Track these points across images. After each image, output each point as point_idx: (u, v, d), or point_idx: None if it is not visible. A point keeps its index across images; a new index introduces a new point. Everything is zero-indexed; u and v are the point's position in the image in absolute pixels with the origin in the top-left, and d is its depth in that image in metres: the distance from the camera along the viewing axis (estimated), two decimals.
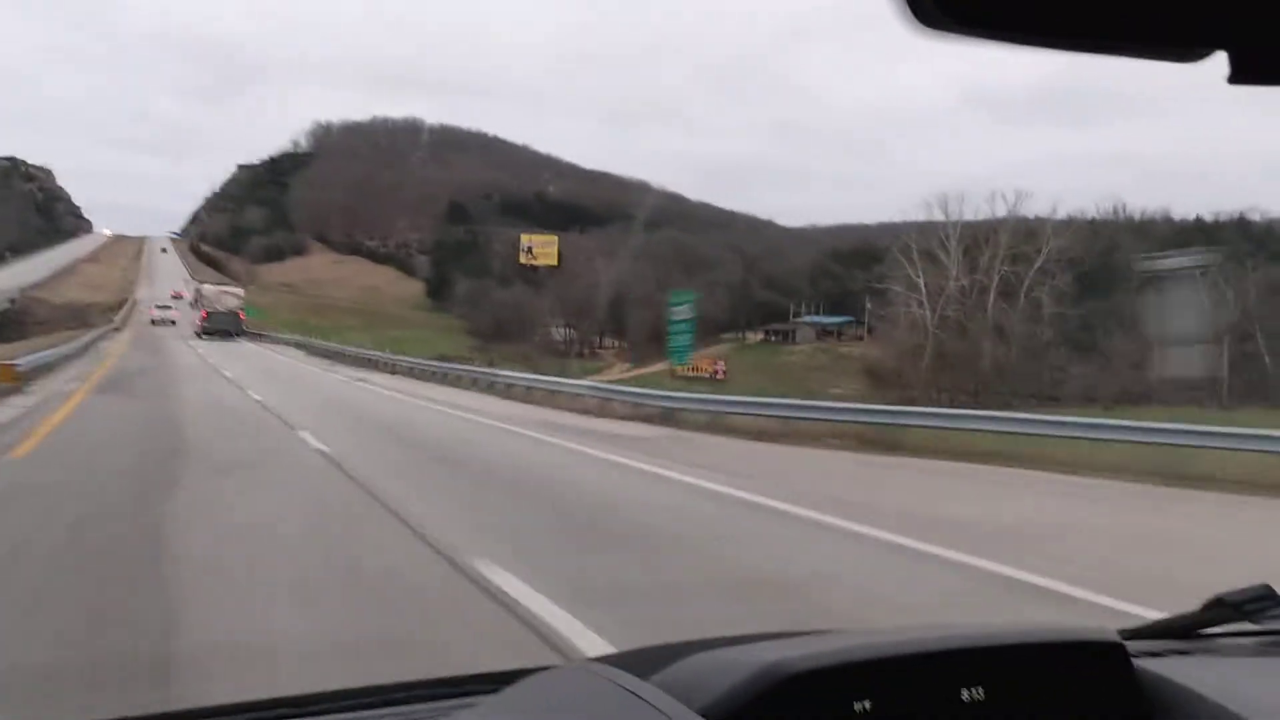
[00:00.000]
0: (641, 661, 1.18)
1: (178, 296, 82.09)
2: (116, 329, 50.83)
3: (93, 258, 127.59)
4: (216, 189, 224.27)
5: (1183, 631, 1.50)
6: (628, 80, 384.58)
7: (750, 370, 71.68)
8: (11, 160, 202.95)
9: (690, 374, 73.80)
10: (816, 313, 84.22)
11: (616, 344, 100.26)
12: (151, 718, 1.32)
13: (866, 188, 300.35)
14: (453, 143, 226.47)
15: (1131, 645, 1.28)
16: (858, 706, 1.10)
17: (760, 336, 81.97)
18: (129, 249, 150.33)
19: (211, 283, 74.68)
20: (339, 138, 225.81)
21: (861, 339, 78.72)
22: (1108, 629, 1.29)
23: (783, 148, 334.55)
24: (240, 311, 59.55)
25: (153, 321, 64.00)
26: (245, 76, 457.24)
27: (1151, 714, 1.19)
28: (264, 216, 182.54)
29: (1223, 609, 1.43)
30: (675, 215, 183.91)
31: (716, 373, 71.77)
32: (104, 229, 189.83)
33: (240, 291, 65.73)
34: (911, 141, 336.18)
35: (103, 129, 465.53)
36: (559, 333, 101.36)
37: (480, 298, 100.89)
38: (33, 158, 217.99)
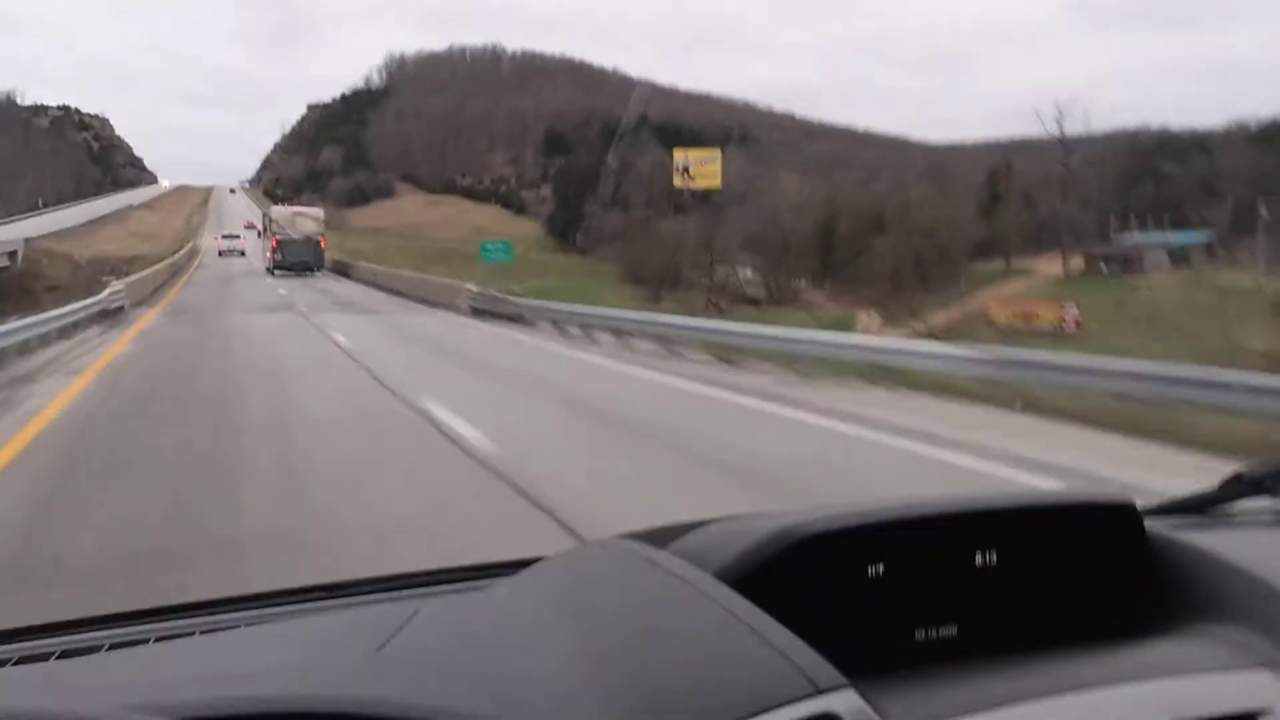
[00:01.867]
0: (663, 535, 1.19)
1: (249, 226, 72.49)
2: (117, 308, 21.74)
3: (150, 205, 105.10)
4: (286, 131, 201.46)
5: (1200, 507, 1.44)
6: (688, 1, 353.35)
7: (1111, 316, 46.05)
8: (65, 109, 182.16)
9: (1021, 325, 49.18)
10: (1148, 228, 57.95)
11: (806, 285, 75.08)
12: (184, 606, 1.36)
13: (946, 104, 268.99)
14: (538, 70, 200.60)
15: (1148, 520, 1.26)
16: (871, 570, 1.09)
17: (1081, 266, 55.96)
18: (194, 197, 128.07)
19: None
20: (415, 70, 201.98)
21: (1235, 261, 52.65)
22: (1122, 493, 1.25)
23: (849, 66, 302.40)
24: (321, 238, 44.51)
25: (220, 253, 56.86)
26: (305, 22, 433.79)
27: (1165, 578, 1.17)
28: (341, 157, 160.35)
29: (1241, 484, 1.39)
30: (799, 134, 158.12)
31: (1065, 323, 46.32)
32: (166, 181, 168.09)
33: (319, 213, 47.99)
34: (996, 55, 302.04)
35: (164, 82, 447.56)
36: (743, 274, 76.72)
37: (635, 234, 76.05)
38: (90, 108, 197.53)
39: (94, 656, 1.17)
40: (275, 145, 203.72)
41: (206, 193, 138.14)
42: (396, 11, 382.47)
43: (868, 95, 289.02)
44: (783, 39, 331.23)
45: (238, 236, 62.60)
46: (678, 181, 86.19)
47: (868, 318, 59.67)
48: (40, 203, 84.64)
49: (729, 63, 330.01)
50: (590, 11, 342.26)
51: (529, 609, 1.05)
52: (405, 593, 1.37)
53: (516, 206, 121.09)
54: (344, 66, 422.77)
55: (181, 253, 46.09)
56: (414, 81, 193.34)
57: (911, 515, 1.14)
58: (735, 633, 0.88)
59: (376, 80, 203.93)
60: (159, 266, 32.86)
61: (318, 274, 41.50)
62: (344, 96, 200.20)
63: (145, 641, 1.20)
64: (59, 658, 1.17)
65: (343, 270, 43.49)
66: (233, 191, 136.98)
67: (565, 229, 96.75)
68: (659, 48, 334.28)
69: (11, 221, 62.77)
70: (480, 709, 0.84)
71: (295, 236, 42.69)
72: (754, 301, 68.83)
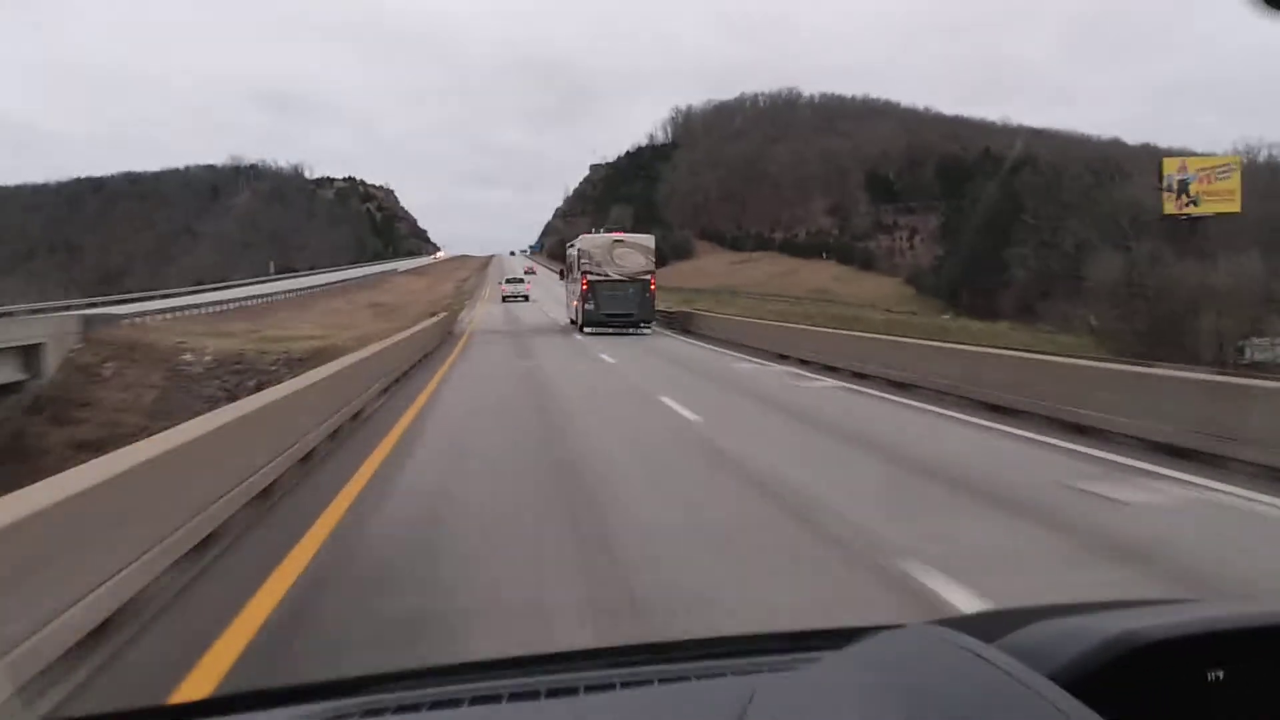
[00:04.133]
0: (984, 625, 1.14)
1: (530, 271, 68.40)
2: None
3: (419, 271, 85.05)
4: (569, 194, 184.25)
5: None
6: (983, 43, 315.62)
7: None
8: (350, 180, 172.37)
9: None
10: None
11: None
12: (496, 663, 1.40)
13: None
14: (840, 112, 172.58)
15: None
16: (1210, 676, 1.03)
17: None
18: (472, 263, 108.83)
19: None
20: (705, 120, 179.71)
21: None
22: None
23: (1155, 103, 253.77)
24: (651, 278, 30.18)
25: (503, 298, 51.98)
26: (585, 95, 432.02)
27: None
28: (630, 216, 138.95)
29: None
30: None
31: None
32: (442, 250, 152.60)
33: (649, 242, 31.55)
34: None
35: (452, 163, 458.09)
36: None
37: (1129, 290, 46.08)
38: (374, 179, 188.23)
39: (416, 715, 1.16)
40: (557, 210, 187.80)
41: (486, 259, 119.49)
42: (676, 73, 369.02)
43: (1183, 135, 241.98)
44: (1084, 82, 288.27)
45: (522, 280, 56.34)
46: (1169, 207, 55.22)
47: None
48: (271, 268, 65.25)
49: (1024, 105, 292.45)
50: (876, 57, 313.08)
51: (862, 702, 0.99)
52: (731, 662, 1.34)
53: (860, 261, 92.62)
54: (626, 131, 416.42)
55: (416, 333, 19.11)
56: (704, 132, 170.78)
57: (1256, 623, 1.07)
58: None
59: (662, 136, 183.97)
60: (313, 379, 7.75)
61: (645, 330, 30.21)
62: (629, 154, 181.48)
63: (459, 703, 1.19)
64: (395, 712, 1.18)
65: (678, 323, 32.15)
66: (513, 254, 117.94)
67: (956, 286, 67.56)
68: (953, 93, 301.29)
69: (176, 295, 40.55)
70: None
71: (615, 276, 30.05)
72: None
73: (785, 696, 1.06)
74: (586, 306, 29.63)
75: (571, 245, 35.54)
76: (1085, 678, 0.96)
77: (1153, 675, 1.00)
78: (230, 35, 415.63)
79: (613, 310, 29.55)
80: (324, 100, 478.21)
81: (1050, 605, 1.17)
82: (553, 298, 49.20)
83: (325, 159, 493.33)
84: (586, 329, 29.27)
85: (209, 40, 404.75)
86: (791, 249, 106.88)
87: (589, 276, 29.78)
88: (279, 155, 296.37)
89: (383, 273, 74.13)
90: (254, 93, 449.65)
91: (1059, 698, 0.88)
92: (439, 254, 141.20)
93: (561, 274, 40.64)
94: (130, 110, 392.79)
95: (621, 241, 31.18)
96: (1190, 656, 1.02)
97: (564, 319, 35.76)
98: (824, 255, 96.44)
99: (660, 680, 1.25)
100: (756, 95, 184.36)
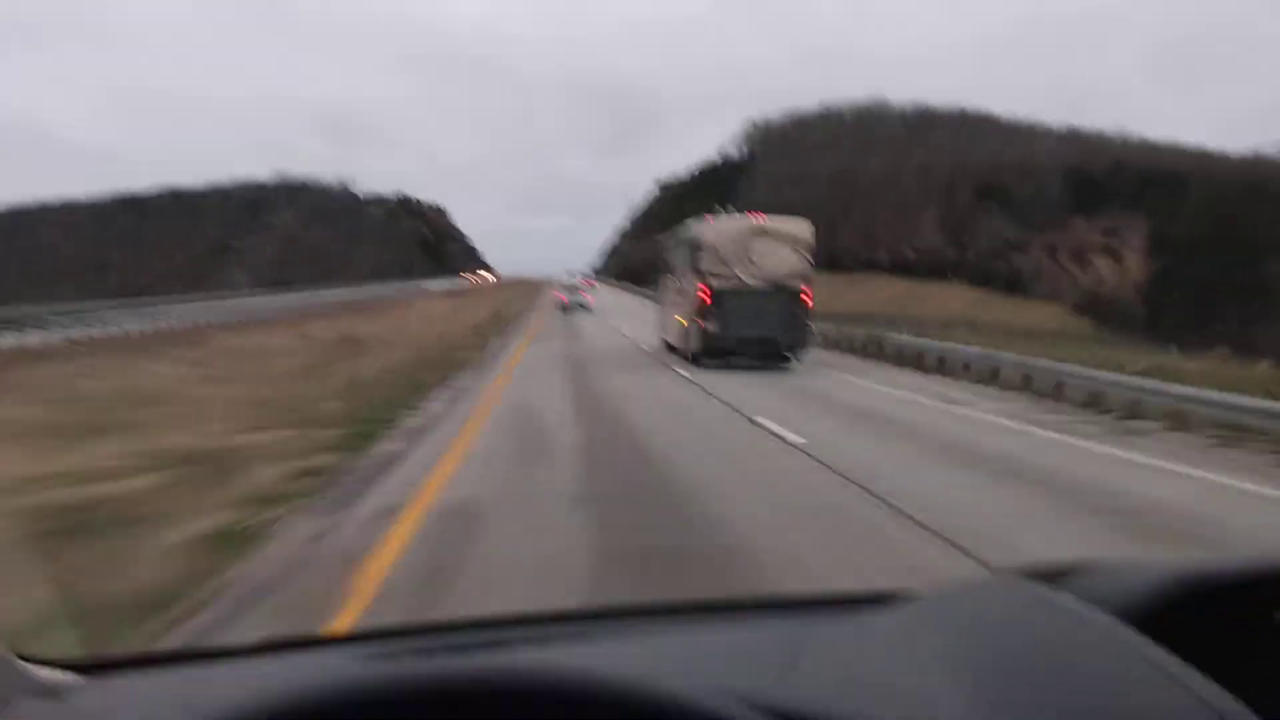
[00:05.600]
0: (1050, 573, 1.10)
1: (590, 284, 58.85)
2: None
3: (454, 292, 68.84)
4: (635, 212, 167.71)
5: None
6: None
7: None
8: (401, 197, 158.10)
9: None
10: None
11: None
12: (559, 615, 1.37)
13: None
14: (934, 124, 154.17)
15: None
16: (1278, 616, 0.99)
17: None
18: (526, 286, 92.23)
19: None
20: (784, 133, 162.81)
21: None
22: None
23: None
24: (805, 287, 20.23)
25: (564, 308, 44.92)
26: (648, 123, 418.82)
27: None
28: None
29: None
30: None
31: None
32: (484, 271, 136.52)
33: (803, 231, 20.33)
34: None
35: (508, 190, 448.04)
36: None
37: None
38: (427, 196, 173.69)
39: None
40: (622, 231, 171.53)
41: (540, 282, 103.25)
42: (745, 99, 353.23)
43: None
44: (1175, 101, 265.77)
45: (580, 288, 49.01)
46: None
47: None
48: (244, 281, 49.47)
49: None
50: (951, 79, 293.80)
51: (924, 641, 0.97)
52: (787, 613, 1.33)
53: (1006, 284, 74.22)
54: (690, 159, 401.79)
55: None
56: (783, 145, 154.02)
57: None
58: (1151, 679, 0.79)
59: (736, 153, 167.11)
60: None
61: (794, 363, 21.03)
62: (701, 171, 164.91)
63: (511, 645, 1.23)
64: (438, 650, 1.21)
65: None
66: (570, 274, 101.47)
67: (1173, 317, 48.97)
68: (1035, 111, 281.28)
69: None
70: None
71: (753, 281, 20.32)
72: None
73: (847, 640, 1.03)
74: (708, 326, 20.80)
75: (675, 236, 24.39)
76: (1154, 619, 0.92)
77: (1220, 617, 0.96)
78: (291, 60, 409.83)
79: (748, 332, 20.68)
80: (382, 125, 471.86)
81: (1100, 559, 1.12)
82: (627, 312, 42.86)
83: (380, 182, 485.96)
84: (706, 358, 20.85)
85: (269, 65, 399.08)
86: (904, 269, 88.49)
87: (713, 281, 20.60)
88: (331, 175, 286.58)
89: (399, 291, 58.13)
90: (312, 116, 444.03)
91: (1133, 638, 0.85)
92: (484, 274, 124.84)
93: (661, 294, 27.56)
94: (185, 133, 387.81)
95: (764, 230, 20.86)
96: (1258, 598, 0.98)
97: (654, 340, 26.24)
98: (947, 275, 77.98)
99: (716, 631, 1.26)
100: (841, 106, 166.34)
